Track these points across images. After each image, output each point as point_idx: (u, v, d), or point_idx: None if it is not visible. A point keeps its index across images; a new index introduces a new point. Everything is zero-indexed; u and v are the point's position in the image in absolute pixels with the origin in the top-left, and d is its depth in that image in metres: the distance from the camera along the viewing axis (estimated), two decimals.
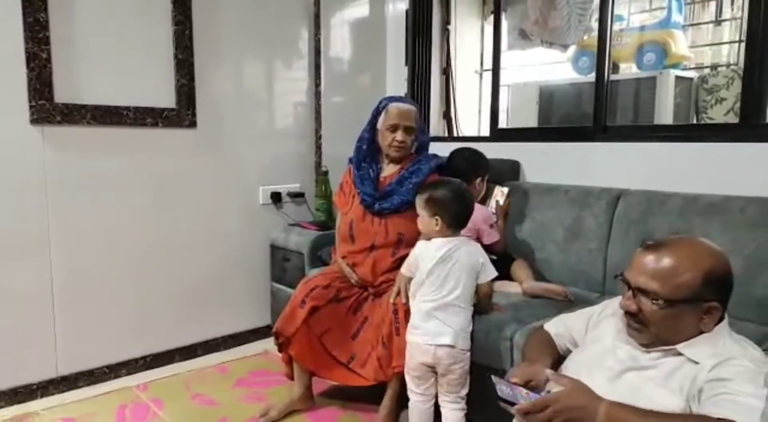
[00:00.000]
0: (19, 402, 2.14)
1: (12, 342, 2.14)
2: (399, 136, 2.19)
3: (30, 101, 2.08)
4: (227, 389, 2.29)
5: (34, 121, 2.10)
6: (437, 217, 1.84)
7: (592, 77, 2.59)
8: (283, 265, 2.71)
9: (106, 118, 2.27)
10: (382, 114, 2.22)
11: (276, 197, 2.85)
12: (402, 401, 1.95)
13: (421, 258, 1.85)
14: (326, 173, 2.85)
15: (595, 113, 2.48)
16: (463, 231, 2.20)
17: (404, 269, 1.93)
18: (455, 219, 1.86)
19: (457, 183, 1.92)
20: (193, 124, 2.53)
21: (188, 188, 2.56)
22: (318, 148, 2.97)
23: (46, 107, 2.11)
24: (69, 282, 2.26)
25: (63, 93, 2.17)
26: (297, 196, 2.92)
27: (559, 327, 1.48)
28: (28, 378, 2.18)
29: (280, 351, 2.17)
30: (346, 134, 3.01)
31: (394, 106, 2.22)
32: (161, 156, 2.46)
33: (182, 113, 2.49)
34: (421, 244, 1.90)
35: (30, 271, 2.16)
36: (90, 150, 2.27)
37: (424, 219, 1.87)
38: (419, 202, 1.89)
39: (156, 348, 2.51)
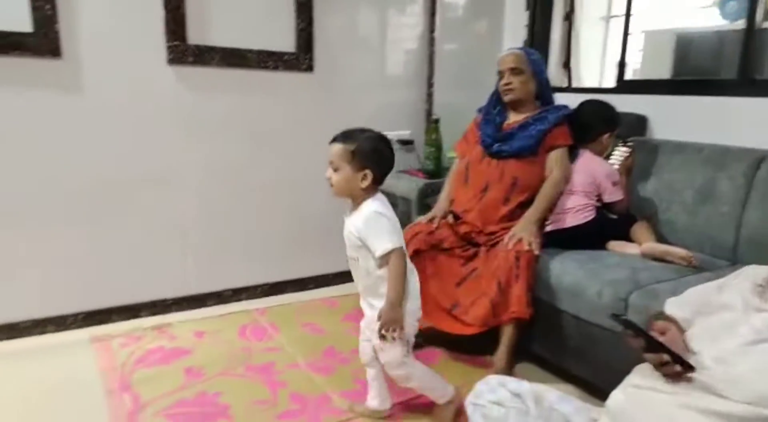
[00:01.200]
0: (157, 313, 2.43)
1: (153, 261, 2.41)
2: (505, 78, 2.21)
3: (167, 41, 2.24)
4: (335, 321, 2.44)
5: (171, 61, 2.27)
6: (367, 171, 1.57)
7: (740, 24, 2.33)
8: None
9: (232, 60, 2.40)
10: None
11: None
12: (517, 352, 1.99)
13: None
14: (437, 121, 2.83)
15: (742, 64, 2.23)
16: (582, 187, 2.13)
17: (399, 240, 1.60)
18: (385, 173, 1.64)
19: (376, 131, 1.66)
20: (309, 68, 2.60)
21: (302, 131, 2.66)
22: (429, 95, 2.95)
23: (180, 48, 2.27)
24: (201, 212, 2.48)
25: (195, 35, 2.31)
26: (406, 143, 2.94)
27: (685, 310, 1.33)
28: (166, 294, 2.46)
29: None
30: (460, 82, 2.97)
31: (500, 56, 2.27)
32: (280, 98, 2.57)
33: (301, 57, 2.56)
34: (379, 203, 1.60)
35: (167, 200, 2.39)
36: (217, 90, 2.41)
37: (347, 174, 1.57)
38: (340, 152, 1.57)
39: (273, 278, 2.71)
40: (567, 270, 1.92)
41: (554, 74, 3.05)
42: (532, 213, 2.11)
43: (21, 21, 1.96)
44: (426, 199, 2.58)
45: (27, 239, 2.15)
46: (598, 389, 1.81)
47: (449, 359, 2.15)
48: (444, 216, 2.24)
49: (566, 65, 3.11)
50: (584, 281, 1.84)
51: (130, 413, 1.73)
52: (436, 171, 2.78)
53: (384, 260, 1.57)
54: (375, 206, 1.58)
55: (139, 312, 2.40)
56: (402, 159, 2.93)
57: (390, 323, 1.57)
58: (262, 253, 2.67)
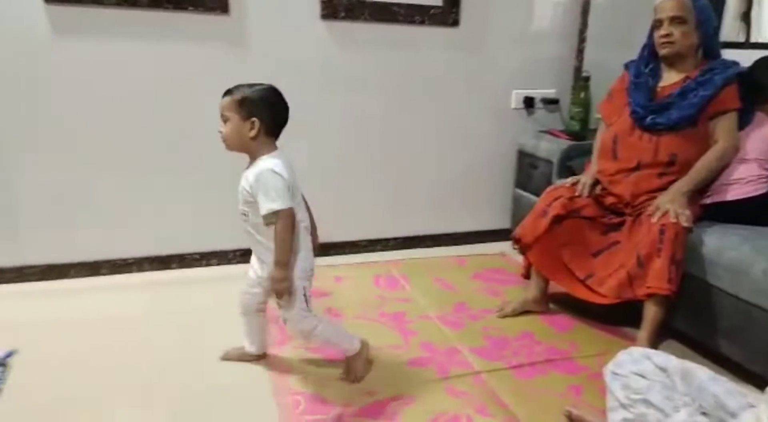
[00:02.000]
0: None
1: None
2: (663, 28, 1.94)
3: None
4: (465, 279, 2.47)
5: (324, 16, 2.36)
6: (254, 119, 1.53)
7: None
8: (529, 172, 2.70)
9: (380, 15, 2.44)
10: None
11: (528, 102, 2.78)
12: (661, 331, 1.89)
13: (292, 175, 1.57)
14: (587, 79, 2.66)
15: None
16: (756, 154, 1.90)
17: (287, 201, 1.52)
18: (277, 124, 1.58)
19: (268, 84, 1.58)
20: (455, 23, 2.56)
21: (445, 87, 2.65)
22: (580, 51, 2.77)
23: (333, 3, 2.34)
24: (344, 163, 2.60)
25: None
26: (551, 102, 2.81)
27: None
28: None
29: (521, 253, 2.24)
30: (615, 37, 2.74)
31: (657, 1, 1.97)
32: (424, 53, 2.57)
33: (447, 11, 2.53)
34: (275, 161, 1.54)
35: (313, 150, 2.53)
36: (364, 45, 2.47)
37: (235, 124, 1.53)
38: (228, 103, 1.53)
39: (405, 233, 2.79)
40: (728, 244, 1.75)
41: (728, 26, 2.70)
42: (683, 184, 1.91)
43: None
44: (569, 161, 2.46)
45: (194, 180, 2.41)
46: (753, 374, 1.67)
47: (584, 327, 2.09)
48: (592, 186, 2.11)
49: (745, 17, 2.73)
50: (749, 257, 1.66)
51: (278, 342, 1.92)
52: (581, 132, 2.64)
53: (270, 219, 1.51)
54: (271, 164, 1.53)
55: None
56: (545, 118, 2.83)
57: (279, 286, 1.54)
58: (398, 208, 2.75)
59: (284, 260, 1.54)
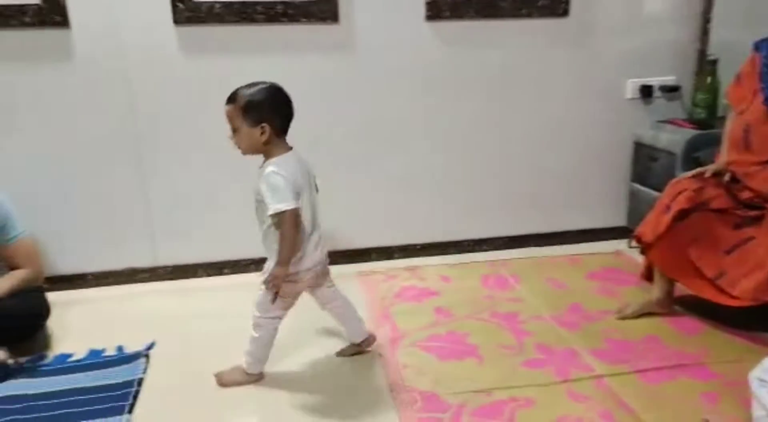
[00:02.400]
0: (408, 256, 2.65)
1: (406, 208, 2.61)
2: None
3: None
4: (579, 279, 2.36)
5: (428, 17, 2.36)
6: (264, 125, 1.52)
7: None
8: (647, 165, 2.54)
9: (486, 11, 2.40)
10: None
11: (646, 91, 2.61)
12: None
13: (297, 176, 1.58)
14: (714, 63, 2.45)
15: None
16: None
17: (288, 202, 1.52)
18: (285, 122, 1.58)
19: (266, 81, 1.57)
20: (565, 13, 2.47)
21: (553, 81, 2.56)
22: (705, 33, 2.56)
23: (437, 3, 2.34)
24: (449, 164, 2.59)
25: None
26: (671, 90, 2.62)
27: None
28: (416, 239, 2.67)
29: (641, 253, 2.11)
30: (747, 14, 2.51)
31: None
32: (529, 47, 2.50)
33: (556, 1, 2.44)
34: (278, 160, 1.56)
35: (420, 151, 2.54)
36: (470, 42, 2.45)
37: (246, 132, 1.54)
38: (232, 112, 1.53)
39: (513, 231, 2.73)
40: None
41: None
42: None
43: None
44: (695, 152, 2.28)
45: None
46: None
47: (715, 331, 1.93)
48: (720, 173, 1.95)
49: None
50: None
51: (392, 339, 1.95)
52: (708, 120, 2.44)
53: (276, 219, 1.53)
54: (273, 166, 1.54)
55: (392, 254, 2.65)
56: (664, 108, 2.65)
57: (274, 280, 1.57)
58: (504, 206, 2.69)
59: (286, 259, 1.57)
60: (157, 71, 2.26)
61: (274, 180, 1.53)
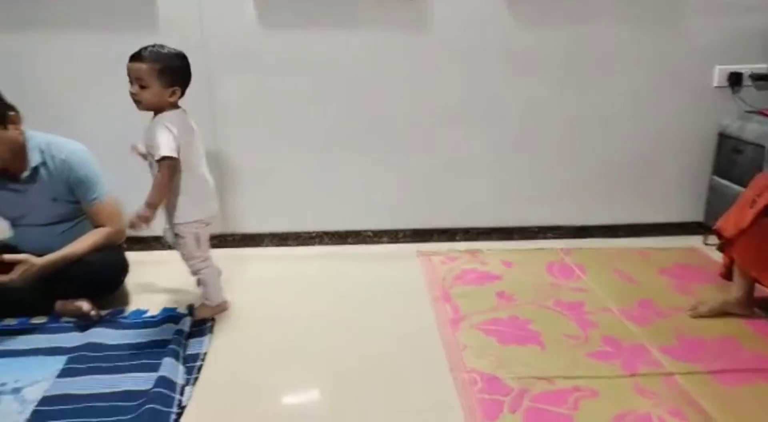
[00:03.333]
0: (469, 240, 2.63)
1: (469, 191, 2.58)
2: None
3: None
4: (650, 273, 2.27)
5: None
6: (176, 88, 1.75)
7: None
8: (732, 158, 2.39)
9: None
10: None
11: (734, 78, 2.46)
12: None
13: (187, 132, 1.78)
14: None
15: None
16: None
17: (172, 151, 1.70)
18: (186, 89, 1.79)
19: (174, 48, 1.76)
20: None
21: (630, 65, 2.44)
22: None
23: None
24: (517, 147, 2.53)
25: None
26: (762, 78, 2.45)
27: None
28: (478, 223, 2.64)
29: (720, 250, 2.00)
30: None
31: None
32: (608, 27, 2.39)
33: None
34: (171, 116, 1.75)
35: (487, 131, 2.50)
36: (549, 21, 2.36)
37: (156, 90, 1.71)
38: (148, 70, 1.68)
39: (581, 221, 2.65)
40: None
41: None
42: None
43: None
44: None
45: (371, 162, 2.52)
46: None
47: None
48: None
49: None
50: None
51: (452, 320, 1.94)
52: None
53: (159, 165, 1.71)
54: (167, 118, 1.73)
55: (454, 236, 2.63)
56: (753, 97, 2.49)
57: (138, 220, 1.70)
58: (572, 194, 2.62)
59: (154, 202, 1.73)
60: (234, 42, 2.30)
61: (164, 131, 1.71)
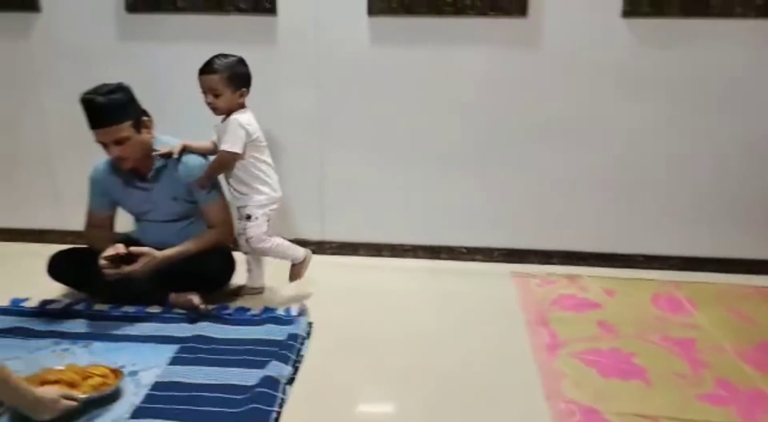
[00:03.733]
0: (568, 263, 2.53)
1: (569, 212, 2.50)
2: None
3: None
4: None
5: (626, 13, 2.21)
6: (244, 90, 2.02)
7: None
8: None
9: (693, 8, 2.18)
10: None
11: None
12: None
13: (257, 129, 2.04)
14: None
15: None
16: None
17: (233, 147, 1.98)
18: (250, 88, 2.05)
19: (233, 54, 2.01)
20: None
21: (760, 87, 2.27)
22: None
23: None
24: (625, 169, 2.42)
25: None
26: None
27: None
28: (578, 247, 2.54)
29: None
30: None
31: None
32: (741, 50, 2.23)
33: None
34: (247, 117, 2.02)
35: (592, 151, 2.41)
36: (669, 43, 2.25)
37: (227, 96, 1.97)
38: (218, 81, 1.94)
39: (690, 252, 2.48)
40: None
41: None
42: None
43: None
44: None
45: (470, 177, 2.50)
46: None
47: None
48: None
49: None
50: None
51: (549, 346, 1.88)
52: None
53: (222, 156, 2.01)
54: (245, 120, 2.00)
55: (551, 258, 2.55)
56: None
57: (213, 171, 2.05)
58: (681, 223, 2.46)
59: (212, 172, 2.04)
60: (346, 57, 2.38)
61: (239, 130, 1.98)
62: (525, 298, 2.22)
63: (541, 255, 2.56)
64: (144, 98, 2.00)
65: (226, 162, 2.02)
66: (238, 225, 2.14)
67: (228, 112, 2.00)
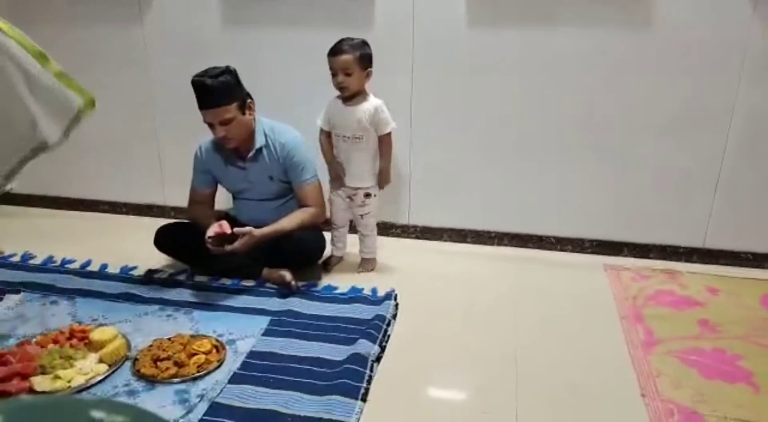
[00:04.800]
0: (666, 258, 2.40)
1: (670, 205, 2.36)
2: None
3: None
4: None
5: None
6: (370, 69, 2.09)
7: None
8: None
9: None
10: None
11: None
12: None
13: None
14: None
15: None
16: None
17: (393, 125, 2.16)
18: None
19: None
20: None
21: None
22: None
23: None
24: (737, 164, 2.25)
25: None
26: None
27: None
28: (677, 241, 2.40)
29: None
30: None
31: None
32: None
33: None
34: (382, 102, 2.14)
35: (697, 144, 2.26)
36: None
37: (357, 75, 2.05)
38: (351, 60, 2.02)
39: None
40: None
41: None
42: None
43: None
44: None
45: (562, 165, 2.41)
46: None
47: None
48: None
49: None
50: None
51: (644, 343, 1.80)
52: None
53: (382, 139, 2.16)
54: (379, 102, 2.12)
55: (648, 253, 2.42)
56: None
57: (384, 182, 2.25)
58: None
59: (389, 166, 2.24)
60: (443, 41, 2.35)
61: (386, 111, 2.12)
62: (618, 292, 2.13)
63: (637, 248, 2.43)
64: (246, 79, 2.08)
65: (390, 140, 2.18)
66: (348, 203, 2.27)
67: (355, 92, 2.09)
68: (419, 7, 2.33)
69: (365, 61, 2.06)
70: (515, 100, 2.37)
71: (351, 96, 2.11)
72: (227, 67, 2.00)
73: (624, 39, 2.20)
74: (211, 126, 2.02)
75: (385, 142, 2.18)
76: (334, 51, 2.04)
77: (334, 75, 2.06)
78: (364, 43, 2.08)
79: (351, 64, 2.02)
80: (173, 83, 2.61)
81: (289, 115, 2.24)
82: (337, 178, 2.24)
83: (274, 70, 2.52)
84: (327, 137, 2.22)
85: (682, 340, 1.81)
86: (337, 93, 2.15)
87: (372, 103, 2.12)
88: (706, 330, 1.87)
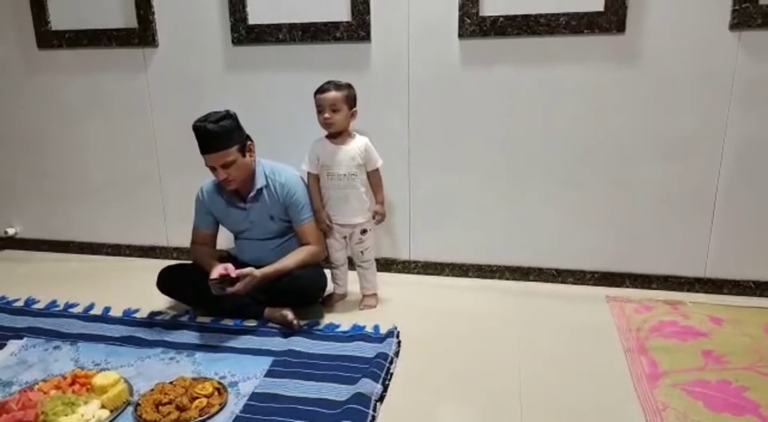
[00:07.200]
0: (668, 289, 2.40)
1: (670, 236, 2.37)
2: None
3: (733, 5, 2.08)
4: None
5: (733, 26, 2.10)
6: (355, 109, 2.18)
7: None
8: None
9: None
10: None
11: None
12: None
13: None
14: None
15: None
16: None
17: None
18: None
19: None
20: None
21: None
22: None
23: (748, 11, 2.06)
24: (735, 187, 2.27)
25: None
26: None
27: None
28: (680, 271, 2.40)
29: None
30: None
31: None
32: None
33: None
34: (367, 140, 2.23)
35: (692, 172, 2.28)
36: None
37: (345, 114, 2.13)
38: (339, 97, 2.10)
39: None
40: None
41: None
42: None
43: (594, 2, 2.18)
44: None
45: (561, 197, 2.44)
46: None
47: None
48: None
49: None
50: None
51: (649, 376, 1.78)
52: None
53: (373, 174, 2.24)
54: (366, 139, 2.21)
55: (650, 284, 2.42)
56: None
57: (381, 216, 2.27)
58: None
59: (383, 200, 2.28)
60: (437, 80, 2.41)
61: (372, 148, 2.21)
62: (621, 324, 2.12)
63: (639, 279, 2.44)
64: (246, 122, 2.14)
65: (380, 174, 2.26)
66: (344, 242, 2.29)
67: (341, 130, 2.15)
68: (413, 49, 2.40)
69: (351, 100, 2.14)
70: (512, 134, 2.41)
71: (337, 134, 2.16)
72: (227, 112, 2.05)
73: (615, 72, 2.25)
74: (212, 169, 2.06)
75: (377, 178, 2.25)
76: (322, 89, 2.12)
77: (320, 112, 2.12)
78: (350, 85, 2.16)
79: (338, 101, 2.09)
80: (175, 126, 2.67)
81: (289, 157, 2.29)
82: (328, 229, 2.24)
83: (275, 112, 2.58)
84: (316, 181, 2.21)
85: (687, 372, 1.79)
86: (319, 136, 2.21)
87: (361, 140, 2.20)
88: (711, 361, 1.85)
